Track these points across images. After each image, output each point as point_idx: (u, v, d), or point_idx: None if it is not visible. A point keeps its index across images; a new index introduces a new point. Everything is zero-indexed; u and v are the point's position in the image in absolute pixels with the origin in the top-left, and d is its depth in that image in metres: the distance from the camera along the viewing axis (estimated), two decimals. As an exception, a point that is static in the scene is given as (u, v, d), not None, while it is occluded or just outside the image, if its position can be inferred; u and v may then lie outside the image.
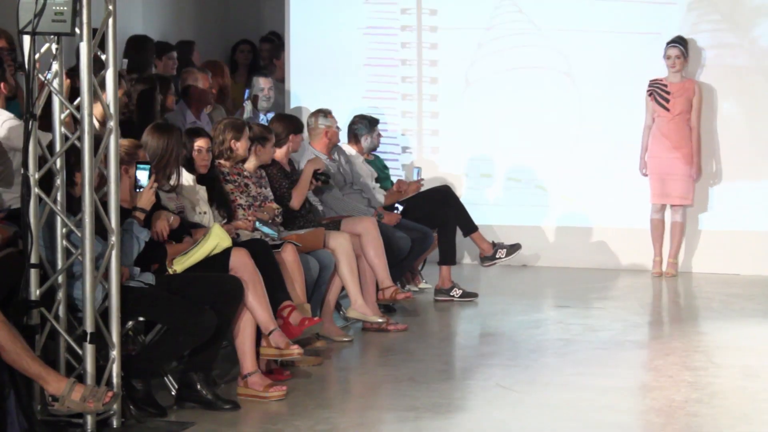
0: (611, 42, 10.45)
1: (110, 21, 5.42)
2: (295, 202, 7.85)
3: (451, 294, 8.96)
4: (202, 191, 6.91)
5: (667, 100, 9.87)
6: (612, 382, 6.53)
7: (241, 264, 6.22)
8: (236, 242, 6.49)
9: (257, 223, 7.11)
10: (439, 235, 8.90)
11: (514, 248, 9.07)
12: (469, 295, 8.97)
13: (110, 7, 5.40)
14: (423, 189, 9.22)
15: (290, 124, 8.09)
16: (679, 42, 9.91)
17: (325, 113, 8.67)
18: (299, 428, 5.66)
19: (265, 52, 11.61)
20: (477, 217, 9.24)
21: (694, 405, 6.07)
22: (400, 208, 9.08)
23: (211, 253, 6.19)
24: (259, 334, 6.29)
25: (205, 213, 6.87)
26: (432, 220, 8.90)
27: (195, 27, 11.60)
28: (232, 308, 6.07)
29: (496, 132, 10.73)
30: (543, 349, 7.41)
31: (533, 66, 10.61)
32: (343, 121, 8.96)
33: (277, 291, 6.46)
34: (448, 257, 8.98)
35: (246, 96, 9.73)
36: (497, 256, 9.05)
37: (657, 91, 9.93)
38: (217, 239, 6.20)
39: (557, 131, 10.60)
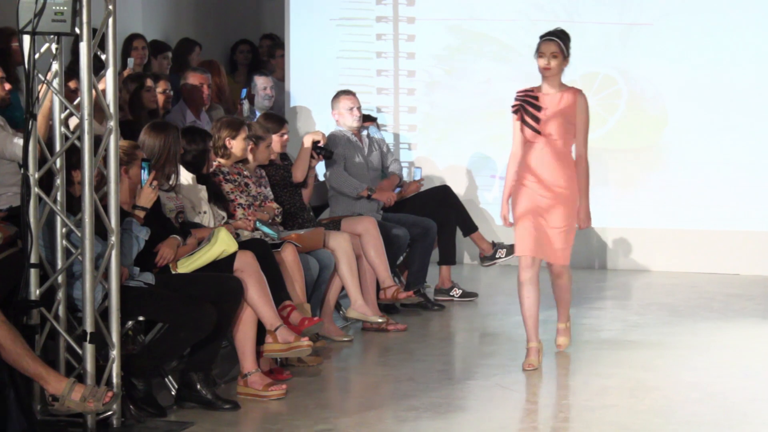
0: (598, 32, 10.41)
1: (110, 21, 5.42)
2: (296, 175, 7.90)
3: (451, 294, 8.96)
4: (202, 191, 6.91)
5: (538, 120, 6.92)
6: (612, 382, 6.53)
7: (246, 265, 6.23)
8: (236, 242, 6.50)
9: (257, 223, 7.12)
10: (439, 235, 8.90)
11: (513, 248, 9.05)
12: (468, 295, 8.97)
13: (110, 7, 5.40)
14: (423, 189, 9.22)
15: (269, 123, 8.02)
16: (557, 35, 6.93)
17: (345, 93, 8.72)
18: (299, 428, 5.66)
19: (265, 48, 11.60)
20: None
21: (694, 405, 6.07)
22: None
23: (217, 259, 6.21)
24: (259, 334, 6.29)
25: (205, 213, 6.87)
26: (432, 220, 8.89)
27: (195, 27, 11.59)
28: (232, 307, 6.07)
29: (475, 128, 10.67)
30: (543, 349, 7.40)
31: (516, 58, 10.55)
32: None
33: (277, 291, 6.46)
34: (448, 257, 8.98)
35: (243, 95, 9.74)
36: (497, 256, 9.05)
37: (525, 107, 6.93)
38: (223, 245, 6.22)
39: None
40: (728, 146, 10.24)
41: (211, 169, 7.03)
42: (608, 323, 8.15)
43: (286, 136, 8.05)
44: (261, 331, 6.30)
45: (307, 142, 8.08)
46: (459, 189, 10.07)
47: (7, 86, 6.53)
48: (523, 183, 6.92)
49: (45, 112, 5.76)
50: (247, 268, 6.24)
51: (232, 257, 6.25)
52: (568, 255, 7.03)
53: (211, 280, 6.07)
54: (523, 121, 6.92)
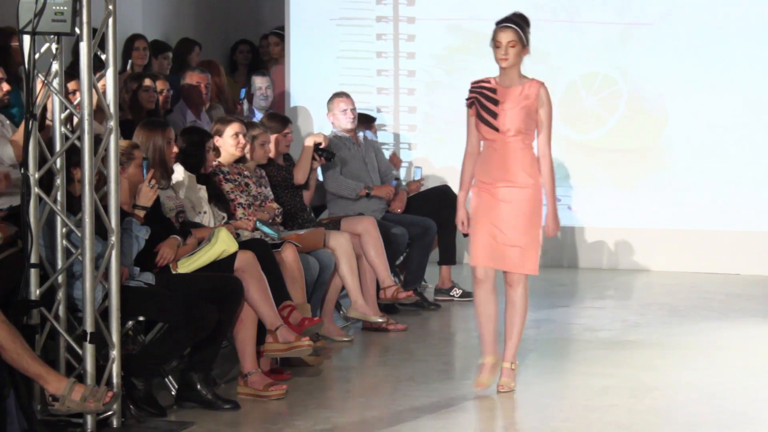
0: (598, 32, 10.41)
1: (110, 21, 5.42)
2: (298, 177, 7.91)
3: (451, 294, 8.96)
4: (202, 191, 6.91)
5: (495, 115, 6.24)
6: (612, 382, 6.53)
7: (247, 265, 6.24)
8: (237, 242, 6.50)
9: (257, 223, 7.12)
10: (439, 235, 8.89)
11: None
12: (469, 295, 8.95)
13: (110, 7, 5.40)
14: (423, 189, 9.22)
15: (272, 122, 8.02)
16: (514, 22, 6.24)
17: (339, 95, 8.72)
18: (299, 428, 5.65)
19: (265, 48, 11.60)
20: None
21: (694, 405, 6.07)
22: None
23: (217, 259, 6.21)
24: (260, 334, 6.29)
25: (205, 213, 6.87)
26: (432, 220, 8.90)
27: (195, 27, 11.59)
28: (233, 307, 6.07)
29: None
30: (543, 349, 7.41)
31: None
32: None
33: (277, 291, 6.46)
34: (448, 257, 8.98)
35: (242, 95, 9.74)
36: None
37: (480, 100, 6.27)
38: (224, 245, 6.23)
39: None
40: (728, 146, 10.24)
41: (210, 169, 7.01)
42: (608, 323, 8.16)
43: (290, 136, 8.05)
44: (261, 331, 6.30)
45: (309, 144, 8.08)
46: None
47: (6, 87, 6.53)
48: (479, 185, 6.28)
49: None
50: (248, 268, 6.24)
51: (232, 257, 6.25)
52: (529, 264, 6.25)
53: (212, 280, 6.07)
54: (479, 117, 6.25)
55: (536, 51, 10.53)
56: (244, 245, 6.47)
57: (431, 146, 10.83)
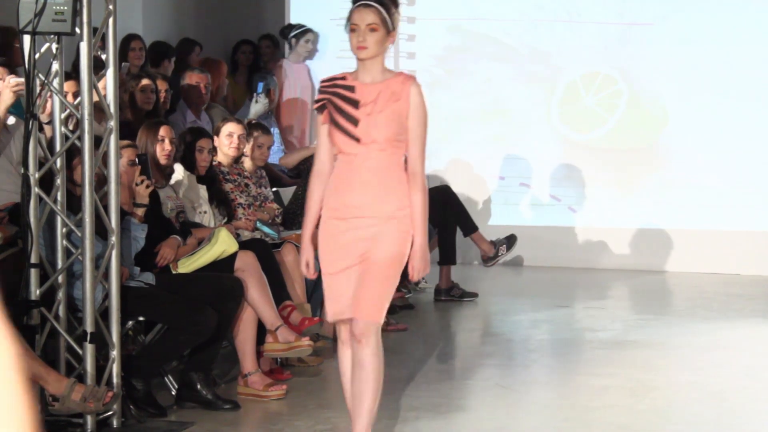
0: (598, 32, 10.42)
1: (110, 21, 5.42)
2: (287, 161, 7.91)
3: (452, 294, 8.96)
4: (202, 191, 6.92)
5: (355, 121, 4.71)
6: (612, 382, 6.53)
7: (247, 265, 6.24)
8: (237, 242, 6.51)
9: (258, 223, 7.12)
10: (439, 235, 8.90)
11: (511, 240, 9.09)
12: (469, 295, 8.97)
13: (110, 7, 5.40)
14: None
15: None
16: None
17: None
18: (299, 428, 5.66)
19: (265, 48, 11.60)
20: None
21: (694, 405, 6.07)
22: None
23: (217, 259, 6.22)
24: (260, 334, 6.29)
25: (205, 212, 6.88)
26: (432, 220, 8.89)
27: (195, 27, 11.59)
28: (233, 308, 6.08)
29: (475, 128, 10.67)
30: (543, 349, 7.42)
31: (517, 58, 10.55)
32: None
33: (277, 291, 6.46)
34: (449, 257, 8.99)
35: (259, 89, 9.62)
36: (500, 254, 9.06)
37: (335, 102, 4.76)
38: (224, 245, 6.23)
39: (546, 128, 10.58)
40: (728, 146, 10.24)
41: (204, 170, 6.99)
42: (608, 323, 8.16)
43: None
44: (261, 331, 6.30)
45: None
46: (459, 189, 10.06)
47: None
48: (329, 213, 4.77)
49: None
50: (248, 268, 6.24)
51: (232, 257, 6.26)
52: (379, 309, 4.73)
53: (212, 280, 6.07)
54: (334, 123, 4.73)
55: (536, 51, 10.63)
56: (244, 245, 6.47)
57: (431, 146, 10.73)
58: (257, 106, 9.42)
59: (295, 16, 10.97)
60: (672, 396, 6.28)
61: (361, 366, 4.72)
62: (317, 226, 4.85)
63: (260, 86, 9.71)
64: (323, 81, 4.84)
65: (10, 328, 1.61)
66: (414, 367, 6.89)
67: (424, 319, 8.45)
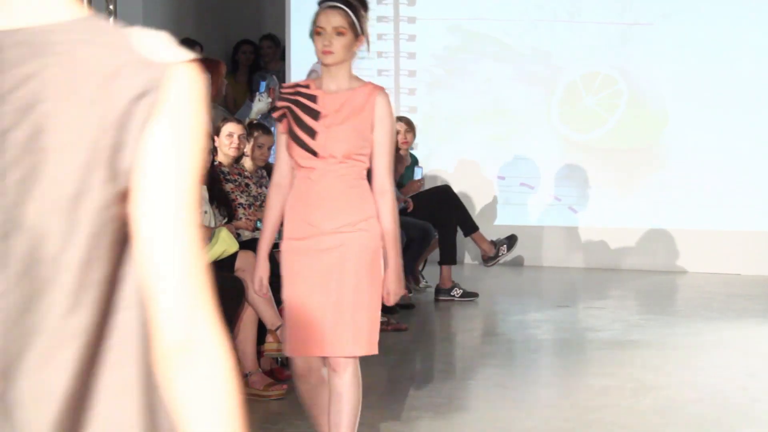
0: (598, 32, 10.42)
1: (110, 21, 5.42)
2: None
3: (452, 294, 8.97)
4: (202, 191, 6.93)
5: (313, 133, 4.37)
6: (612, 382, 6.53)
7: (248, 265, 6.24)
8: (237, 242, 6.52)
9: (258, 223, 7.12)
10: (439, 235, 8.91)
11: (512, 240, 9.10)
12: (469, 295, 8.97)
13: (110, 7, 5.41)
14: (423, 189, 9.23)
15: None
16: (345, 1, 4.46)
17: None
18: (300, 428, 5.66)
19: (266, 49, 11.61)
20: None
21: (694, 405, 6.08)
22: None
23: (218, 259, 6.23)
24: (260, 334, 6.30)
25: (205, 213, 6.88)
26: (432, 220, 8.91)
27: (195, 27, 11.61)
28: (233, 308, 6.08)
29: (475, 128, 10.67)
30: (543, 349, 7.42)
31: (517, 58, 10.55)
32: None
33: (277, 291, 6.46)
34: (449, 257, 8.99)
35: (262, 88, 9.60)
36: (500, 253, 9.06)
37: (294, 111, 4.42)
38: (224, 245, 6.24)
39: (546, 128, 10.59)
40: (728, 146, 10.25)
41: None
42: (608, 323, 8.16)
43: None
44: (261, 330, 6.31)
45: None
46: (459, 189, 10.08)
47: None
48: (290, 234, 4.43)
49: None
50: (248, 267, 6.24)
51: (233, 257, 6.26)
52: (363, 340, 4.45)
53: (212, 281, 6.07)
54: (291, 135, 4.38)
55: (536, 51, 10.65)
56: (244, 245, 6.48)
57: (432, 146, 10.83)
58: (260, 105, 9.41)
59: (295, 16, 10.98)
60: (672, 396, 6.28)
61: (338, 396, 4.46)
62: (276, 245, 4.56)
63: (262, 85, 9.71)
64: (285, 87, 4.53)
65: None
66: (414, 367, 6.89)
67: (424, 319, 8.46)
